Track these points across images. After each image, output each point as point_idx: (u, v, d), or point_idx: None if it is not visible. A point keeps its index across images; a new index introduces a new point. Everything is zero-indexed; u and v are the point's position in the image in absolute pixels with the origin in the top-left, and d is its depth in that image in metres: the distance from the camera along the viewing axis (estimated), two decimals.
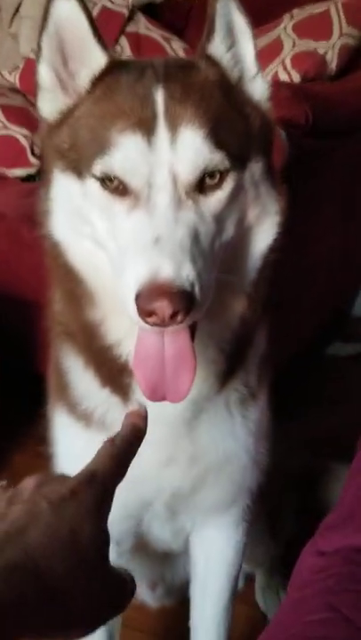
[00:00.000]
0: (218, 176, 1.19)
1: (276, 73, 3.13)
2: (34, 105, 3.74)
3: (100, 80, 1.26)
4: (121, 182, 1.17)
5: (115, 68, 1.26)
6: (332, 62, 3.16)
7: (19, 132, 3.57)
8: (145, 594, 2.15)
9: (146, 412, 1.04)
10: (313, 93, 2.89)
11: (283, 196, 1.36)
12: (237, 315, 1.37)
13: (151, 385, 1.19)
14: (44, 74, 1.28)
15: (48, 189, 1.31)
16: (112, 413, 1.43)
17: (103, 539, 0.86)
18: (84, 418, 1.46)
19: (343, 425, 2.99)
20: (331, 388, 3.56)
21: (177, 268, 1.08)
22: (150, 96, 1.18)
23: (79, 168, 1.23)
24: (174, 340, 1.17)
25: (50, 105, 1.30)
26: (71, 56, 1.26)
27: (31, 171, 3.56)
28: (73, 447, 1.52)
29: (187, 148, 1.15)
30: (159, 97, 1.18)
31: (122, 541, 1.63)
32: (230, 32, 1.28)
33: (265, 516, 2.08)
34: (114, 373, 1.38)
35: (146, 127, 1.15)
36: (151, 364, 1.18)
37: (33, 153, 3.54)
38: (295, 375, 3.23)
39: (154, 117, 1.16)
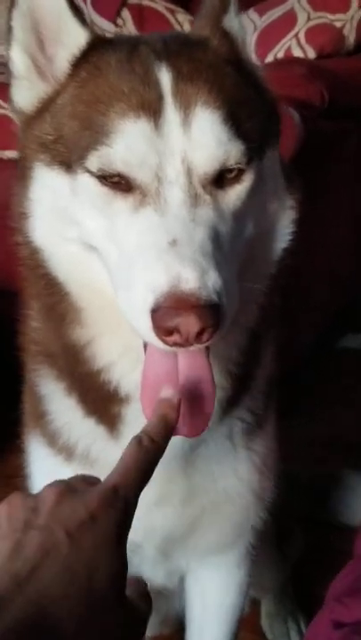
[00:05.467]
0: (236, 170, 1.02)
1: (290, 48, 3.03)
2: None
3: (83, 60, 1.08)
4: (124, 177, 0.98)
5: (98, 46, 1.08)
6: (350, 36, 3.06)
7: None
8: None
9: (179, 401, 0.96)
10: (329, 71, 2.76)
11: (297, 189, 1.20)
12: (247, 330, 1.20)
13: None
14: (18, 59, 1.10)
15: (27, 188, 1.11)
16: (97, 446, 1.26)
17: (120, 573, 0.81)
18: (65, 451, 1.29)
19: (354, 426, 2.88)
20: (342, 383, 3.39)
21: (201, 276, 0.91)
22: (152, 74, 1.01)
23: (68, 162, 1.04)
24: (191, 364, 1.00)
25: (27, 94, 1.12)
26: (48, 37, 1.08)
27: None
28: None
29: (204, 133, 0.98)
30: (164, 75, 1.00)
31: None
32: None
33: (273, 535, 1.92)
34: (101, 402, 1.21)
35: (151, 109, 0.98)
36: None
37: None
38: (305, 370, 3.09)
39: (159, 98, 0.99)
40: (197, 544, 1.41)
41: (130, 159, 0.97)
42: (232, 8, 1.12)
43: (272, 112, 1.15)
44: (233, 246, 1.02)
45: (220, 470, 1.32)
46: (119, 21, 3.50)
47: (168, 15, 3.56)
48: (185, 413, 1.01)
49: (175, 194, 0.97)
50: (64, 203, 1.06)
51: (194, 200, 0.98)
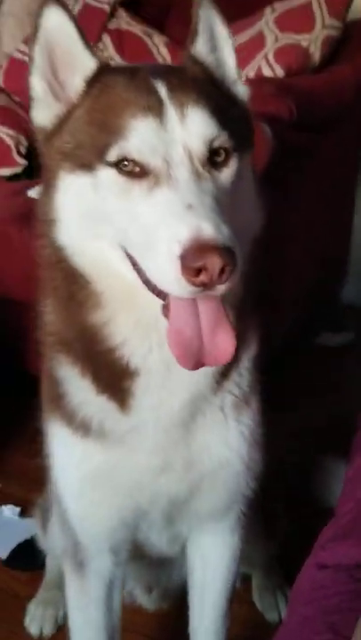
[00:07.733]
0: (223, 154, 1.25)
1: (260, 68, 3.15)
2: (18, 104, 3.78)
3: (95, 81, 1.30)
4: (138, 164, 1.20)
5: (105, 70, 1.31)
6: (315, 54, 3.19)
7: (4, 132, 3.56)
8: (141, 597, 2.13)
9: None
10: (297, 87, 2.91)
11: (264, 192, 1.42)
12: (233, 309, 1.37)
13: (189, 353, 1.20)
14: (37, 84, 1.31)
15: (52, 197, 1.31)
16: (109, 421, 1.42)
17: None
18: (82, 428, 1.45)
19: (332, 417, 3.01)
20: (320, 379, 3.52)
21: (217, 227, 1.12)
22: (152, 87, 1.24)
23: (89, 163, 1.25)
24: (208, 307, 1.20)
25: (45, 113, 1.33)
26: (61, 65, 1.30)
27: (17, 170, 3.54)
28: (70, 458, 1.51)
29: (196, 124, 1.22)
30: (160, 87, 1.24)
31: (119, 551, 1.63)
32: (212, 36, 1.38)
33: (260, 515, 2.02)
34: (113, 378, 1.38)
35: (155, 110, 1.21)
36: (189, 332, 1.20)
37: (18, 152, 3.53)
38: (284, 366, 3.19)
39: (160, 102, 1.22)
40: (198, 509, 1.57)
41: (143, 148, 1.20)
42: (199, 40, 1.37)
43: (247, 122, 1.39)
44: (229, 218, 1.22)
45: (214, 440, 1.47)
46: (100, 45, 3.66)
47: (145, 38, 3.70)
48: (208, 346, 1.20)
49: (182, 172, 1.18)
50: (88, 203, 1.26)
51: (197, 176, 1.19)
